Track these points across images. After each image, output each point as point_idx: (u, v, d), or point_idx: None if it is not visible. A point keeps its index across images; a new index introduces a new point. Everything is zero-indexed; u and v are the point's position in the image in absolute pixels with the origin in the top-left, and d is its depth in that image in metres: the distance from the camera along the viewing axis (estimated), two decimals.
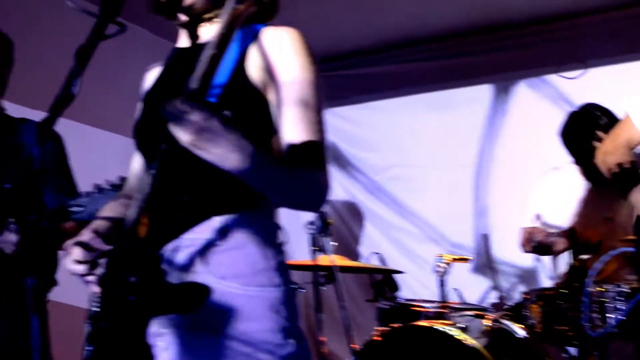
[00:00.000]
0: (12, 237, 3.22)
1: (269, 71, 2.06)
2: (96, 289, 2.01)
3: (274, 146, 2.05)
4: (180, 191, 2.02)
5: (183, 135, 1.65)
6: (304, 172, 1.95)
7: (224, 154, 1.68)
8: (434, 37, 6.99)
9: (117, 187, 2.35)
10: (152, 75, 2.42)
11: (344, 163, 7.42)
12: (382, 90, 7.40)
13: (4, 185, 3.53)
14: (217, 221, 2.02)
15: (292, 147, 1.99)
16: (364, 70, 7.41)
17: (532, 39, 6.68)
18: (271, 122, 2.07)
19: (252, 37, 2.11)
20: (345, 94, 7.28)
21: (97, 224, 2.18)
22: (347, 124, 7.34)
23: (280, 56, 2.06)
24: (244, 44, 2.09)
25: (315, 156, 2.00)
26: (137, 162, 2.44)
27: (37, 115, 4.85)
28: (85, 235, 2.09)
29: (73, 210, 3.10)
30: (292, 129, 2.01)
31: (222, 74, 1.99)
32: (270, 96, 2.07)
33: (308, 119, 2.02)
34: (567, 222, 5.14)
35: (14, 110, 3.87)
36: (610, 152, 3.99)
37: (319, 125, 2.04)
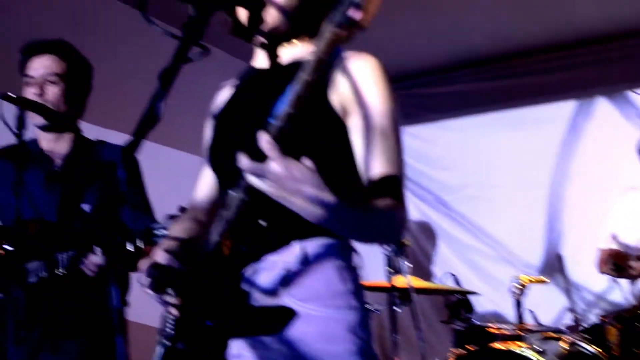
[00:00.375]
0: (95, 259, 3.27)
1: (351, 98, 2.05)
2: (173, 310, 2.02)
3: (351, 173, 2.06)
4: (261, 215, 2.03)
5: (263, 185, 1.66)
6: (383, 210, 1.94)
7: (304, 205, 1.68)
8: (509, 55, 6.93)
9: None
10: (224, 94, 2.41)
11: (418, 183, 7.37)
12: (457, 109, 7.35)
13: (84, 206, 3.62)
14: (297, 245, 2.03)
15: (373, 183, 1.99)
16: (439, 89, 7.36)
17: (608, 55, 6.57)
18: (349, 148, 2.07)
19: (334, 59, 2.11)
20: (419, 113, 7.24)
21: (169, 244, 2.17)
22: (421, 143, 7.30)
23: (364, 85, 2.04)
24: (329, 66, 2.10)
25: (394, 191, 1.99)
26: (206, 180, 2.44)
27: (113, 135, 4.95)
28: (161, 256, 2.09)
29: (158, 233, 3.14)
30: (373, 161, 2.00)
31: None
32: (351, 122, 2.06)
33: (388, 152, 2.01)
34: None
35: (92, 130, 3.94)
36: None
37: (398, 157, 2.03)
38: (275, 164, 1.63)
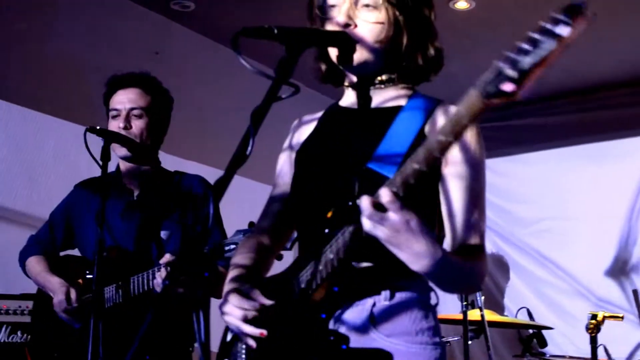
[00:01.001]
0: (162, 274, 3.31)
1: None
2: (252, 342, 2.04)
3: (436, 216, 2.10)
4: (359, 257, 2.05)
5: (379, 233, 1.69)
6: (473, 268, 2.02)
7: (416, 256, 1.74)
8: (587, 88, 6.90)
9: None
10: (306, 129, 2.41)
11: (492, 216, 7.31)
12: (534, 142, 7.33)
13: (161, 233, 3.67)
14: (385, 284, 2.06)
15: (463, 237, 2.05)
16: (515, 122, 7.33)
17: None
18: (437, 194, 2.10)
19: (434, 106, 2.15)
20: (495, 146, 7.19)
21: (241, 272, 2.21)
22: (496, 177, 7.24)
23: (464, 139, 2.06)
24: (427, 113, 2.13)
25: (480, 249, 2.06)
26: (272, 207, 2.42)
27: (190, 165, 5.00)
28: (241, 285, 2.12)
29: (228, 248, 3.18)
30: (465, 217, 2.05)
31: (404, 142, 2.03)
32: (446, 170, 2.08)
33: (476, 209, 2.07)
34: None
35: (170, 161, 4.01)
36: None
37: (484, 212, 2.10)
38: (396, 216, 1.66)
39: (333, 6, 2.15)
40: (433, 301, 2.14)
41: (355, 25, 2.11)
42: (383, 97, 2.21)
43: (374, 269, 2.05)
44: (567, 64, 6.34)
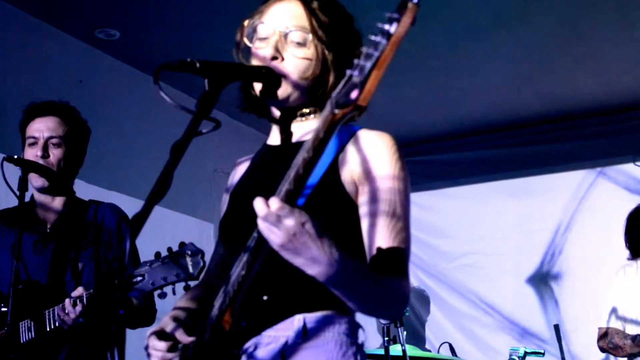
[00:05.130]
0: (69, 309, 3.23)
1: (362, 175, 2.05)
2: None
3: (358, 249, 2.03)
4: (264, 289, 2.01)
5: (274, 238, 1.65)
6: (388, 284, 1.93)
7: (313, 260, 1.68)
8: (511, 125, 7.01)
9: (177, 255, 2.34)
10: (240, 170, 2.41)
11: (415, 249, 7.32)
12: (457, 177, 7.40)
13: (78, 265, 3.60)
14: (298, 319, 2.00)
15: (378, 256, 1.98)
16: (439, 157, 7.42)
17: (609, 128, 6.66)
18: (357, 225, 2.05)
19: (348, 137, 2.12)
20: (419, 180, 7.23)
21: (178, 313, 2.17)
22: (420, 211, 7.28)
23: (375, 161, 2.05)
24: (340, 144, 2.10)
25: (399, 266, 1.99)
26: (218, 253, 2.42)
27: (112, 196, 4.93)
28: (168, 325, 2.09)
29: (135, 280, 3.12)
30: (380, 236, 1.99)
31: (315, 175, 1.97)
32: (360, 199, 2.05)
33: (396, 228, 2.00)
34: None
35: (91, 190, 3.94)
36: None
37: (405, 233, 2.03)
38: (290, 218, 1.62)
39: (262, 39, 2.13)
40: (356, 338, 2.07)
41: (282, 59, 2.09)
42: (304, 130, 2.18)
43: (285, 301, 2.01)
44: (491, 99, 6.45)
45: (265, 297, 2.01)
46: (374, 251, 1.99)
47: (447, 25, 5.29)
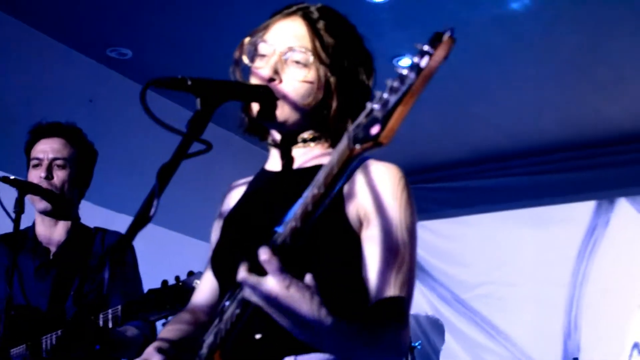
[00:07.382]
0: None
1: (368, 211, 1.91)
2: None
3: (357, 287, 1.90)
4: (258, 326, 1.89)
5: (255, 299, 1.56)
6: (384, 339, 1.80)
7: (299, 325, 1.59)
8: (530, 152, 6.91)
9: (184, 284, 2.26)
10: (235, 195, 2.26)
11: (431, 278, 7.28)
12: (475, 205, 7.29)
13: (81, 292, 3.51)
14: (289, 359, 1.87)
15: (378, 304, 1.85)
16: (457, 184, 7.33)
17: (633, 157, 6.55)
18: (358, 260, 1.91)
19: (356, 166, 1.96)
20: (436, 208, 7.18)
21: (162, 344, 2.05)
22: (437, 238, 7.23)
23: (384, 196, 1.91)
24: (348, 174, 1.97)
25: (399, 316, 1.86)
26: (207, 281, 2.27)
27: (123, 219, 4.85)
28: (153, 357, 1.97)
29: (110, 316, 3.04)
30: (382, 280, 1.86)
31: None
32: (364, 234, 1.91)
33: (401, 272, 1.87)
34: None
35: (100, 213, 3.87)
36: None
37: (410, 278, 1.89)
38: (272, 280, 1.53)
39: (262, 56, 2.01)
40: None
41: (281, 81, 1.96)
42: (306, 156, 2.04)
43: (277, 342, 1.85)
44: (512, 126, 6.37)
45: (258, 336, 1.89)
46: (374, 293, 1.86)
47: (464, 48, 5.18)
